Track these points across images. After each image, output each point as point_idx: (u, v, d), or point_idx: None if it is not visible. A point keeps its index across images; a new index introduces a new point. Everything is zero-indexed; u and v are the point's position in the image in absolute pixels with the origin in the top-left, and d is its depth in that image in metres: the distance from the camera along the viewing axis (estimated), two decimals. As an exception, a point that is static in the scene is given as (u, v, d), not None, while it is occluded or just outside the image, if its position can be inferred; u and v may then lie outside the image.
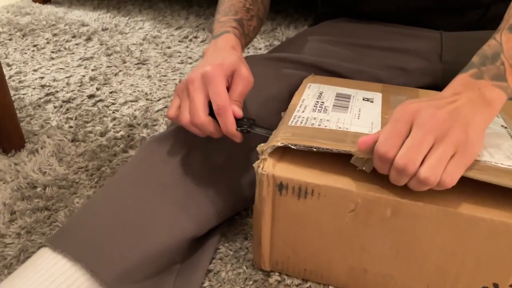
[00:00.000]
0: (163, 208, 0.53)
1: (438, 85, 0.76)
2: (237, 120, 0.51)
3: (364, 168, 0.45)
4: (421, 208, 0.45)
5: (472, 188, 0.45)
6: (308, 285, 0.56)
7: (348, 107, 0.57)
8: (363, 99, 0.59)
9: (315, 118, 0.53)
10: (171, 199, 0.54)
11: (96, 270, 0.46)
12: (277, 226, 0.52)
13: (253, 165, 0.49)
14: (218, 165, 0.59)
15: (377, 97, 0.60)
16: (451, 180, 0.41)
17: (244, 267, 0.58)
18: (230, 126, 0.50)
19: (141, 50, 1.28)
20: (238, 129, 0.51)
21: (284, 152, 0.51)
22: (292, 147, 0.47)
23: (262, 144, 0.50)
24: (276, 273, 0.57)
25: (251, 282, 0.56)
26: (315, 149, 0.47)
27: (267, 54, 0.71)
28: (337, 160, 0.49)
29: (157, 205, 0.53)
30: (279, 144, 0.48)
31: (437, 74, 0.75)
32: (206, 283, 0.56)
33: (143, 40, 1.35)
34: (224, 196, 0.58)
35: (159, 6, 1.65)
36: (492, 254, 0.45)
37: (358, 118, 0.54)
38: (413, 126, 0.42)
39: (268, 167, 0.48)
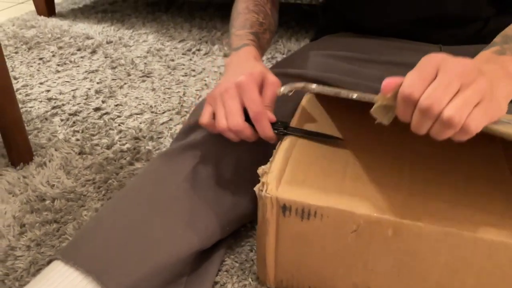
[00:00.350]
0: (169, 222, 0.55)
1: None
2: (271, 123, 0.55)
3: (383, 121, 0.45)
4: (421, 228, 0.46)
5: (472, 207, 0.46)
6: (312, 296, 0.57)
7: None
8: None
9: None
10: (178, 214, 0.55)
11: (106, 283, 0.48)
12: (281, 246, 0.53)
13: (254, 188, 0.51)
14: (223, 180, 0.60)
15: None
16: (476, 125, 0.40)
17: (250, 279, 0.60)
18: (267, 130, 0.54)
19: (145, 63, 1.30)
20: (275, 131, 0.55)
21: (285, 171, 0.52)
22: (314, 88, 0.49)
23: (262, 167, 0.51)
24: None
25: (257, 294, 0.58)
26: (337, 95, 0.49)
27: (270, 70, 0.73)
28: (339, 179, 0.50)
29: (164, 219, 0.55)
30: (300, 85, 0.50)
31: None
32: (213, 295, 0.58)
33: (147, 52, 1.37)
34: (229, 209, 0.60)
35: (162, 18, 1.68)
36: (492, 272, 0.46)
37: None
38: (439, 71, 0.41)
39: (272, 190, 0.50)
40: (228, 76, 0.57)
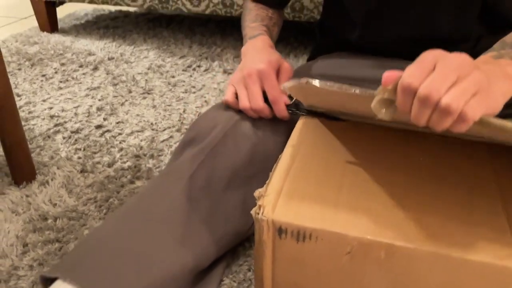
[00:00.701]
0: (163, 242, 0.56)
1: None
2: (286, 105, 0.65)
3: (383, 116, 0.46)
4: (413, 250, 0.47)
5: (462, 230, 0.48)
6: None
7: None
8: None
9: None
10: (171, 233, 0.57)
11: None
12: (278, 267, 0.55)
13: (251, 211, 0.52)
14: (217, 197, 0.62)
15: None
16: (473, 113, 0.41)
17: (248, 299, 0.61)
18: (283, 111, 0.65)
19: (146, 80, 1.32)
20: (289, 111, 0.66)
21: (281, 194, 0.54)
22: (316, 84, 0.50)
23: (259, 190, 0.53)
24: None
25: (254, 314, 0.59)
26: (337, 89, 0.50)
27: None
28: (334, 202, 0.52)
29: (158, 239, 0.56)
30: (303, 81, 0.51)
31: None
32: (212, 315, 0.59)
33: (148, 69, 1.40)
34: (222, 226, 0.61)
35: (163, 34, 1.70)
36: None
37: None
38: (437, 64, 0.43)
39: (268, 213, 0.51)
40: (248, 62, 0.68)
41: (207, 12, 1.51)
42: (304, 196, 0.53)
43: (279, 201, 0.53)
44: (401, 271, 0.49)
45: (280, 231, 0.51)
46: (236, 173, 0.62)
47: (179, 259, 0.56)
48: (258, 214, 0.51)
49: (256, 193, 0.53)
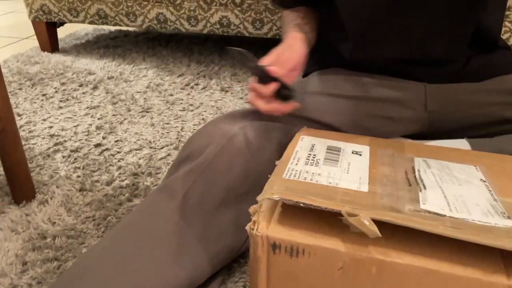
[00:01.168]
0: (157, 260, 0.57)
1: (425, 133, 0.82)
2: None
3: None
4: (403, 266, 0.48)
5: (451, 246, 0.49)
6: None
7: (338, 161, 0.61)
8: (352, 152, 0.64)
9: (307, 172, 0.58)
10: (165, 251, 0.58)
11: None
12: (273, 283, 0.56)
13: (246, 227, 0.54)
14: (210, 215, 0.63)
15: (365, 150, 0.65)
16: None
17: (243, 315, 0.62)
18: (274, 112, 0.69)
19: (145, 98, 1.35)
20: (282, 95, 0.68)
21: (276, 209, 0.55)
22: (286, 202, 0.52)
23: (254, 206, 0.54)
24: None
25: (249, 330, 0.60)
26: (305, 206, 0.51)
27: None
28: (326, 216, 0.53)
29: (152, 257, 0.57)
30: (275, 197, 0.52)
31: (424, 122, 0.80)
32: (207, 332, 0.60)
33: (147, 88, 1.42)
34: (216, 244, 0.63)
35: (162, 53, 1.73)
36: None
37: (347, 173, 0.58)
38: None
39: (262, 228, 0.52)
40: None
41: (205, 31, 1.54)
42: (299, 212, 0.54)
43: (274, 217, 0.54)
44: (392, 286, 0.50)
45: (274, 246, 0.53)
46: (229, 192, 0.63)
47: (173, 277, 0.57)
48: (253, 229, 0.53)
49: (251, 209, 0.54)
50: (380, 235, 0.48)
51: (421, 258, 0.48)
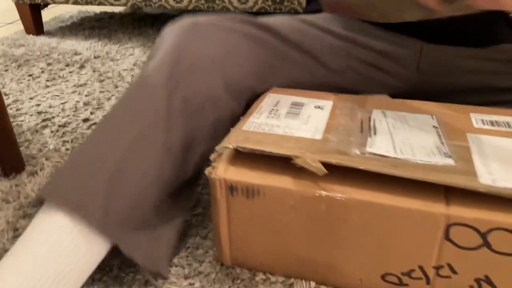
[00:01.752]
0: (144, 151, 0.57)
1: (411, 93, 0.82)
2: None
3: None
4: (350, 201, 0.52)
5: (397, 184, 0.52)
6: (291, 281, 0.61)
7: (299, 114, 0.64)
8: (315, 107, 0.67)
9: (266, 124, 0.61)
10: (153, 144, 0.58)
11: (88, 215, 0.52)
12: (233, 225, 0.59)
13: (205, 172, 0.56)
14: (193, 118, 0.62)
15: (328, 104, 0.68)
16: None
17: (209, 258, 0.63)
18: None
19: (132, 75, 1.35)
20: None
21: (235, 156, 0.58)
22: (240, 149, 0.55)
23: (214, 154, 0.57)
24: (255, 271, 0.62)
25: (214, 277, 0.61)
26: (258, 152, 0.54)
27: (250, 19, 0.73)
28: (280, 161, 0.55)
29: (138, 148, 0.57)
30: (231, 146, 0.55)
31: (412, 81, 0.81)
32: (185, 282, 0.61)
33: (134, 65, 1.42)
34: (198, 146, 0.63)
35: (148, 33, 1.73)
36: (414, 239, 0.51)
37: (306, 124, 0.61)
38: None
39: (220, 172, 0.56)
40: None
41: (190, 7, 1.53)
42: (255, 159, 0.57)
43: (231, 163, 0.57)
44: (340, 223, 0.54)
45: (232, 188, 0.56)
46: (210, 100, 0.63)
47: (161, 168, 0.58)
48: (211, 174, 0.56)
49: (211, 156, 0.57)
50: (326, 171, 0.51)
51: (366, 193, 0.52)
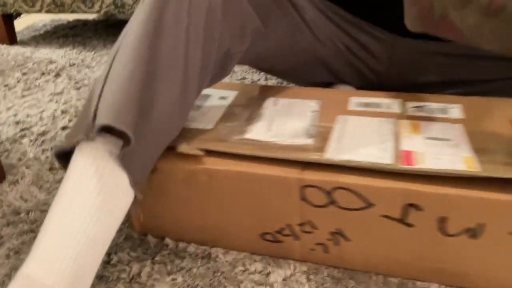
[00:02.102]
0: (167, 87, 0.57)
1: (385, 86, 0.84)
2: None
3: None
4: (226, 172, 0.61)
5: (265, 160, 0.60)
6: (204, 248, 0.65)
7: (202, 106, 0.73)
8: (218, 98, 0.76)
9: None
10: (175, 78, 0.57)
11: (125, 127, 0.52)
12: (144, 201, 0.67)
13: None
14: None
15: (232, 95, 0.77)
16: None
17: (124, 226, 0.67)
18: None
19: (108, 82, 1.36)
20: None
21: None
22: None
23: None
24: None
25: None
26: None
27: None
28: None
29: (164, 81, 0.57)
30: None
31: (384, 75, 0.84)
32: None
33: (110, 72, 1.44)
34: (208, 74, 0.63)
35: (122, 39, 1.74)
36: (279, 201, 0.60)
37: (203, 115, 0.70)
38: None
39: None
40: None
41: (163, 13, 1.55)
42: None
43: None
44: (222, 193, 0.63)
45: None
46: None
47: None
48: None
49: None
50: (202, 153, 0.62)
51: (240, 165, 0.61)
